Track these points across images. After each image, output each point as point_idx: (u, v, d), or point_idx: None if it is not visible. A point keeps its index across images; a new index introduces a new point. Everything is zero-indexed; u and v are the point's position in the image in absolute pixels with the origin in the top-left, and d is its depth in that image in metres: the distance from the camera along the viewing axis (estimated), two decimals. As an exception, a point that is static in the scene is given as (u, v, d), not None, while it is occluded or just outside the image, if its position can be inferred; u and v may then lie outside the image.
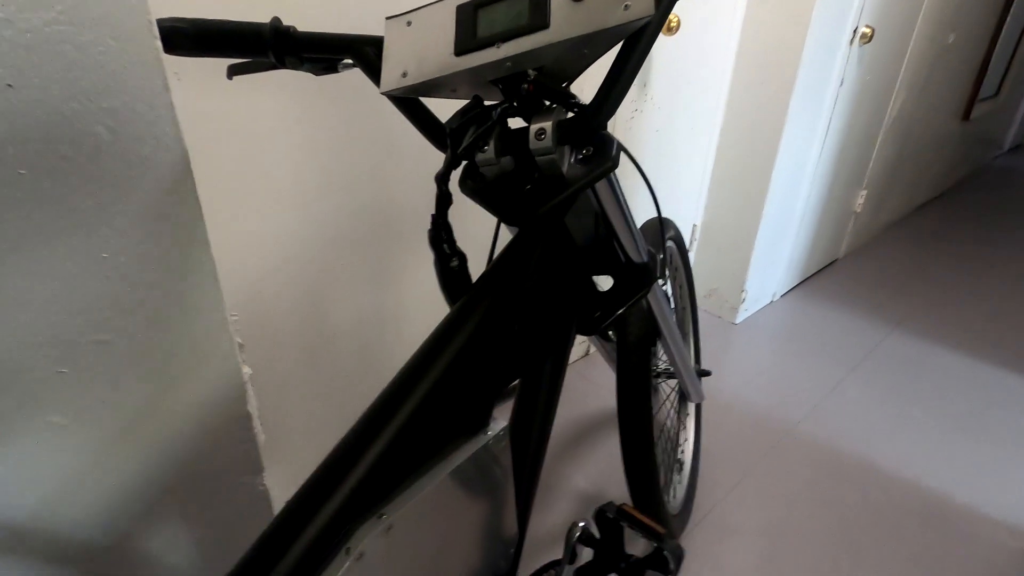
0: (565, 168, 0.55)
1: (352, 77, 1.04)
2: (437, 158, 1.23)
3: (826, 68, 1.82)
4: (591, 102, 0.53)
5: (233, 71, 0.69)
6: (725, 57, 1.77)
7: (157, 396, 0.68)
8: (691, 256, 2.14)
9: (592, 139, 0.55)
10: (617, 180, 0.63)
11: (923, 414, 1.69)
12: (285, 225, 1.06)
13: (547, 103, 0.54)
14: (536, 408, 0.67)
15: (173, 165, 0.61)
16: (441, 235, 0.59)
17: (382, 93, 0.56)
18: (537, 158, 0.53)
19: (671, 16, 1.46)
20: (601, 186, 0.61)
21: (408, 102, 0.61)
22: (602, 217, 0.66)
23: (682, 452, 1.34)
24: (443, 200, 0.57)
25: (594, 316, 0.71)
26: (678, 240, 1.18)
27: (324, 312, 1.19)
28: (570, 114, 0.54)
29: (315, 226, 1.10)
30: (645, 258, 0.72)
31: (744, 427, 1.63)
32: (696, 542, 1.28)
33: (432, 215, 0.58)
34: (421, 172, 1.22)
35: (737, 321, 2.15)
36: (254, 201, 1.00)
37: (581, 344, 1.90)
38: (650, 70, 1.56)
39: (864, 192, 2.52)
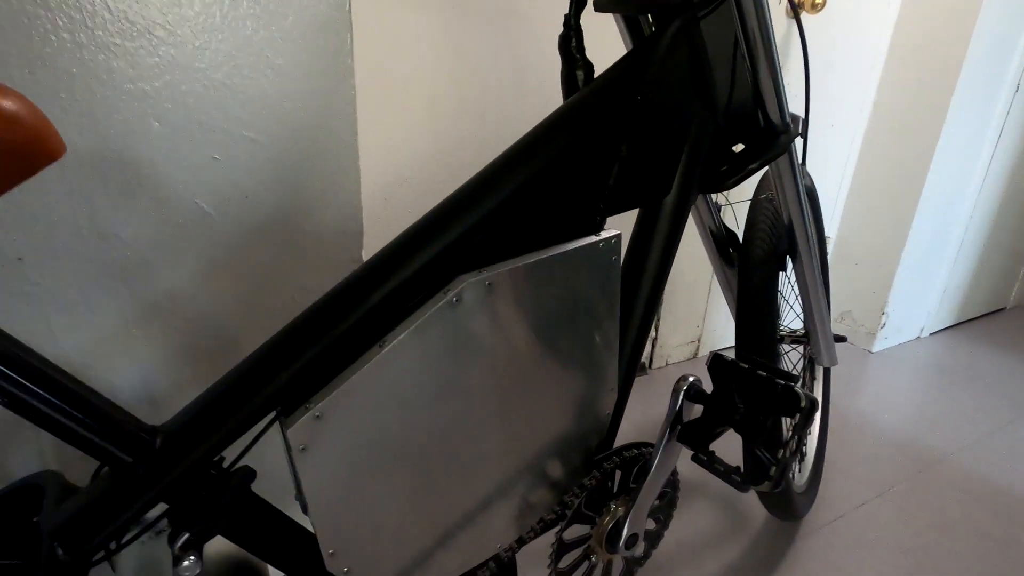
0: None
1: (502, 7, 1.10)
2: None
3: (998, 69, 1.65)
4: None
5: None
6: (877, 46, 1.66)
7: (287, 209, 0.73)
8: (822, 272, 1.95)
9: None
10: (768, 10, 0.60)
11: None
12: (417, 140, 1.12)
13: None
14: (651, 247, 0.62)
15: (337, -18, 0.67)
16: (571, 38, 0.59)
17: None
18: None
19: (816, -7, 1.41)
20: (748, 15, 0.58)
21: None
22: (745, 56, 0.62)
23: (804, 442, 1.17)
24: (578, 0, 0.58)
25: (720, 170, 0.66)
26: (811, 192, 1.09)
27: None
28: None
29: (443, 147, 1.16)
30: (787, 120, 0.67)
31: (882, 449, 1.40)
32: (819, 546, 1.09)
33: (565, 15, 0.58)
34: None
35: (874, 349, 1.90)
36: (391, 110, 1.08)
37: (690, 344, 1.78)
38: (789, 49, 1.51)
39: (1043, 230, 2.18)
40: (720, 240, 0.93)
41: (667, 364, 1.75)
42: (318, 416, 0.44)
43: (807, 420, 0.50)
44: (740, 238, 0.93)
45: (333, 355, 0.46)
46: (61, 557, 0.39)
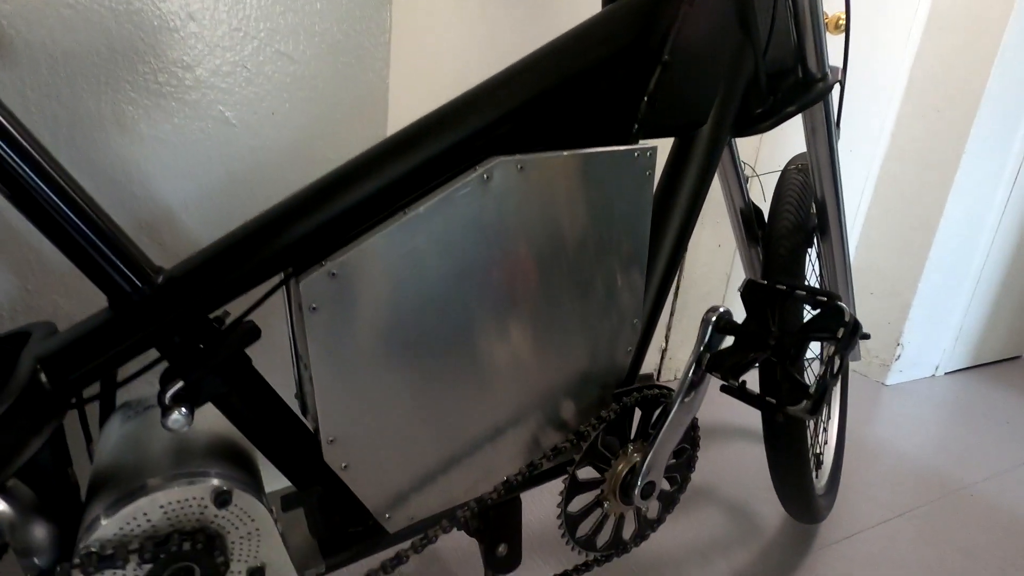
0: None
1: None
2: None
3: (1018, 102, 1.66)
4: None
5: None
6: (896, 75, 1.69)
7: (312, 132, 0.72)
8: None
9: None
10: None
11: None
12: (441, 112, 1.13)
13: None
14: (683, 181, 0.61)
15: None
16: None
17: None
18: None
19: (837, 14, 1.45)
20: None
21: None
22: (788, 2, 0.62)
23: (822, 450, 1.12)
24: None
25: (756, 113, 0.65)
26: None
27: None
28: None
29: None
30: (826, 70, 0.66)
31: (900, 474, 1.34)
32: (837, 559, 1.02)
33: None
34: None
35: (888, 382, 1.85)
36: (416, 80, 1.09)
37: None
38: (812, 68, 1.53)
39: (1059, 278, 2.16)
40: (746, 216, 0.91)
41: (676, 378, 1.70)
42: (333, 274, 0.42)
43: (852, 336, 0.47)
44: (766, 217, 0.91)
45: (354, 219, 0.43)
46: (43, 383, 0.35)
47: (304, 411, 0.52)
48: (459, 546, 0.98)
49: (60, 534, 0.39)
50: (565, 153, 0.49)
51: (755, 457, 1.34)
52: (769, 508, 1.15)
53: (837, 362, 0.46)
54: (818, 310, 0.48)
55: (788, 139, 1.59)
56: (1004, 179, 1.77)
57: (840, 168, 0.78)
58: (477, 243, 0.47)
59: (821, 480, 1.07)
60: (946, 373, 2.00)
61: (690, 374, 0.56)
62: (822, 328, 0.47)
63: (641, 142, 0.55)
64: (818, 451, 1.11)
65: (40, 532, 0.38)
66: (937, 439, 1.53)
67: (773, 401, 0.49)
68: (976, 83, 1.59)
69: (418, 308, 0.46)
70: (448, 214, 0.45)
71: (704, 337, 0.56)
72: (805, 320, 0.49)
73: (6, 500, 0.37)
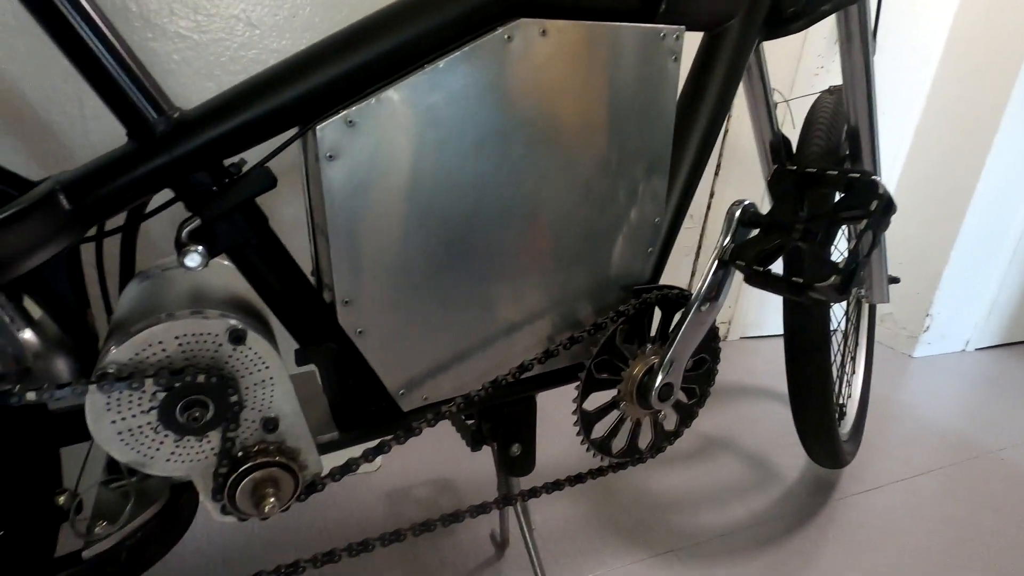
0: None
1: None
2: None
3: (1061, 64, 1.59)
4: None
5: None
6: (935, 36, 1.63)
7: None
8: (863, 271, 1.87)
9: None
10: None
11: None
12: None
13: None
14: (711, 79, 0.59)
15: None
16: None
17: None
18: None
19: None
20: None
21: None
22: None
23: (845, 402, 1.09)
24: None
25: (787, 12, 0.63)
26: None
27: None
28: None
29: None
30: None
31: (923, 437, 1.30)
32: (858, 508, 1.00)
33: None
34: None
35: (915, 355, 1.80)
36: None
37: (721, 325, 1.70)
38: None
39: (1100, 255, 2.07)
40: (774, 146, 0.88)
41: (695, 341, 1.67)
42: (351, 122, 0.41)
43: (885, 213, 0.45)
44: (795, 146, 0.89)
45: (373, 73, 0.42)
46: (61, 199, 0.36)
47: (320, 288, 0.51)
48: (472, 476, 0.98)
49: (80, 370, 0.39)
50: (589, 23, 0.48)
51: (777, 413, 1.32)
52: (789, 460, 1.13)
53: (869, 239, 0.44)
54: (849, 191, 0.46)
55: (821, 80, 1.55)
56: (1046, 145, 1.69)
57: (875, 88, 0.75)
58: (496, 107, 0.46)
59: (844, 428, 1.04)
60: (977, 349, 1.94)
61: (713, 267, 0.55)
62: (853, 205, 0.45)
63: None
64: (842, 402, 1.09)
65: (61, 365, 0.39)
66: (964, 408, 1.49)
67: (799, 281, 0.47)
68: (1018, 45, 1.52)
69: (437, 170, 0.45)
70: (468, 72, 0.44)
71: (729, 230, 0.54)
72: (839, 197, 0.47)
73: (34, 330, 0.37)
